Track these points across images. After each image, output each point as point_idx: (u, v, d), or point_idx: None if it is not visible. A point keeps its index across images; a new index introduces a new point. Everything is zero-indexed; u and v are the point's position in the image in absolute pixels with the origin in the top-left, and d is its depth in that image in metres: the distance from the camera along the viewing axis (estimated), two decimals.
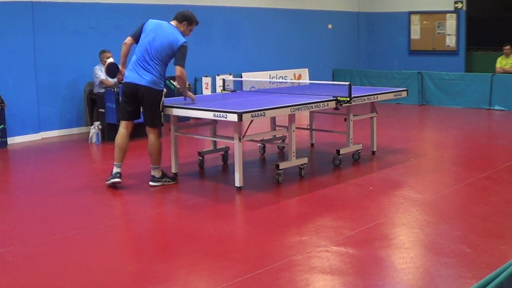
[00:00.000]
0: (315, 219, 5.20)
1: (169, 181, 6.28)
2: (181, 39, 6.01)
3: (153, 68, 5.98)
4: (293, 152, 6.39)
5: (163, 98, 6.09)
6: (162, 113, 6.14)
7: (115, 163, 6.12)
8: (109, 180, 6.11)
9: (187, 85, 6.16)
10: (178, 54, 5.97)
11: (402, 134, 9.54)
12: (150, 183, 6.22)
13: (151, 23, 6.14)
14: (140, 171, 7.01)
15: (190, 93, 6.49)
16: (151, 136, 6.14)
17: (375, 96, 7.43)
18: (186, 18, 6.15)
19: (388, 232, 4.82)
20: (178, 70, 5.96)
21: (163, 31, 6.04)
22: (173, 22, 6.16)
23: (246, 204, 5.72)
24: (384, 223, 5.03)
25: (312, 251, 4.36)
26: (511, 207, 5.44)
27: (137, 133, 9.20)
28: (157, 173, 6.23)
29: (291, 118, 6.40)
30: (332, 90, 7.29)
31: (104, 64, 9.45)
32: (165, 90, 6.12)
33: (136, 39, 6.13)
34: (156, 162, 6.18)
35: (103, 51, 9.46)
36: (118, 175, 6.10)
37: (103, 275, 4.03)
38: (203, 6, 11.76)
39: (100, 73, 9.33)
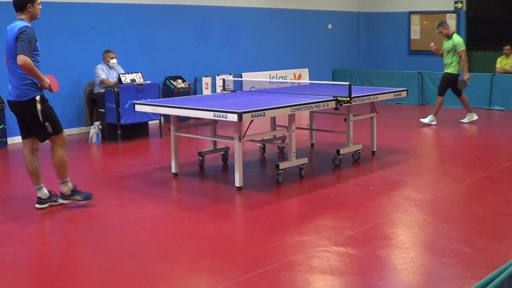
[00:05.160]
0: (315, 219, 5.20)
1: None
2: (20, 26, 5.20)
3: (14, 78, 5.28)
4: (293, 152, 6.39)
5: (38, 106, 5.29)
6: (48, 122, 5.35)
7: (35, 187, 5.51)
8: (42, 205, 5.49)
9: (38, 73, 5.21)
10: (18, 43, 5.13)
11: (402, 134, 9.53)
12: (62, 200, 5.57)
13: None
14: (140, 171, 7.02)
15: (47, 80, 5.36)
16: (53, 146, 5.50)
17: (375, 96, 7.43)
18: (26, 0, 5.32)
19: (388, 232, 4.82)
20: (19, 59, 5.07)
21: (7, 33, 5.31)
22: (17, 16, 5.37)
23: (246, 204, 5.72)
24: (384, 223, 5.03)
25: (312, 251, 4.36)
26: (511, 207, 5.44)
27: (136, 133, 9.27)
28: (65, 189, 5.54)
29: (291, 118, 6.40)
30: (332, 90, 7.29)
31: (107, 64, 9.47)
32: (38, 97, 5.28)
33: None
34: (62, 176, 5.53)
35: (107, 51, 9.46)
36: (50, 197, 5.54)
37: (103, 275, 4.03)
38: (203, 6, 11.77)
39: (101, 72, 9.33)
